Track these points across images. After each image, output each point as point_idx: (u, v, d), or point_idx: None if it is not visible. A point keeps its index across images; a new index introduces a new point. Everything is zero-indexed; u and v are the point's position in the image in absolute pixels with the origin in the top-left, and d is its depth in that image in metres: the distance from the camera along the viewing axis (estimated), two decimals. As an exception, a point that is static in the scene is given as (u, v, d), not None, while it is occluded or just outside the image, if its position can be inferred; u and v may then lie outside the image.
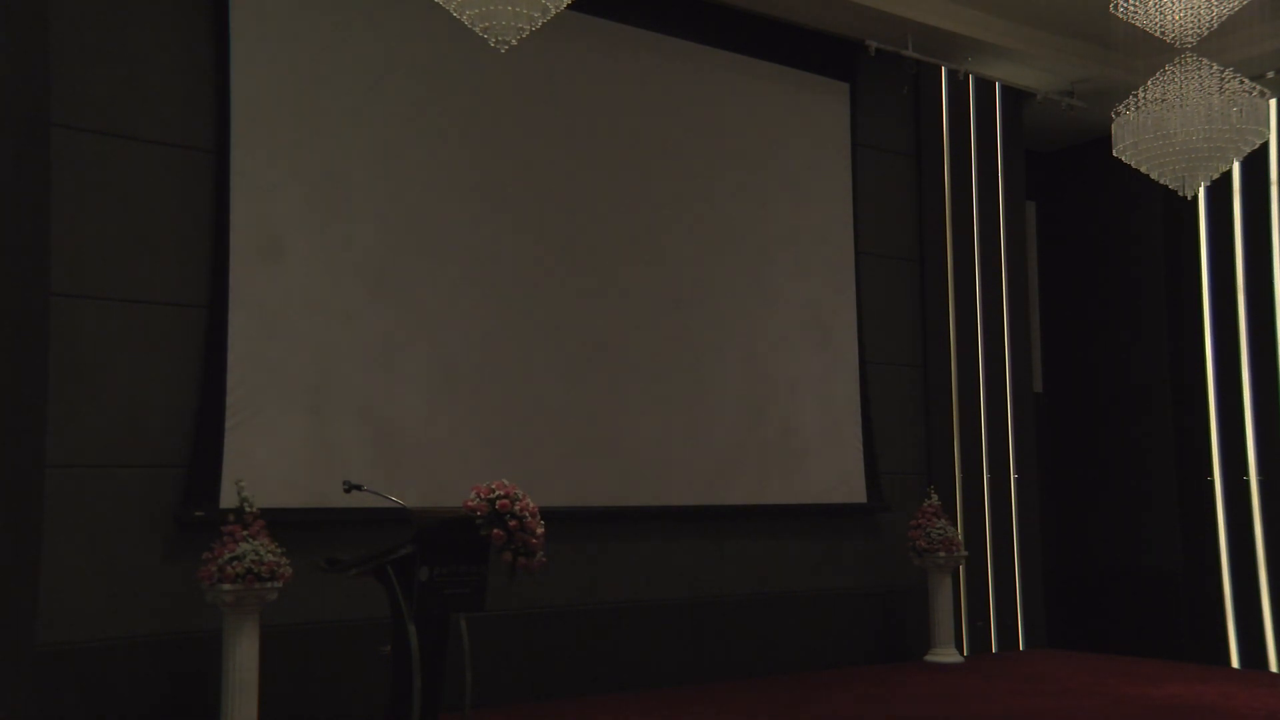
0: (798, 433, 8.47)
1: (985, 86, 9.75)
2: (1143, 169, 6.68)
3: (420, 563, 4.99)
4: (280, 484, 6.26)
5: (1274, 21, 8.29)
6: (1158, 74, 6.50)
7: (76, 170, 5.97)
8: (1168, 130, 6.40)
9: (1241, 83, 6.37)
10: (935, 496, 8.72)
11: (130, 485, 5.99)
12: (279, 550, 5.68)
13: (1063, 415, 10.98)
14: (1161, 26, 6.26)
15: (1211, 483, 9.93)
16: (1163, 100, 6.42)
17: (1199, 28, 6.20)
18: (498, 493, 5.14)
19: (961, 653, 8.87)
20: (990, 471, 9.53)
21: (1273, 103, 7.57)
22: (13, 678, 5.32)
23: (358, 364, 6.68)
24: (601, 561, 7.52)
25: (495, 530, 5.08)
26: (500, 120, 7.36)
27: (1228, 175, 9.48)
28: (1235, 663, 9.58)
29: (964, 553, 8.69)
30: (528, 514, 5.15)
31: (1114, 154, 6.77)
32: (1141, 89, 6.55)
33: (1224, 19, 6.20)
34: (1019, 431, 9.76)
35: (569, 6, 5.25)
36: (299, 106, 6.63)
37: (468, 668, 5.12)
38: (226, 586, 5.52)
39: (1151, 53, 7.00)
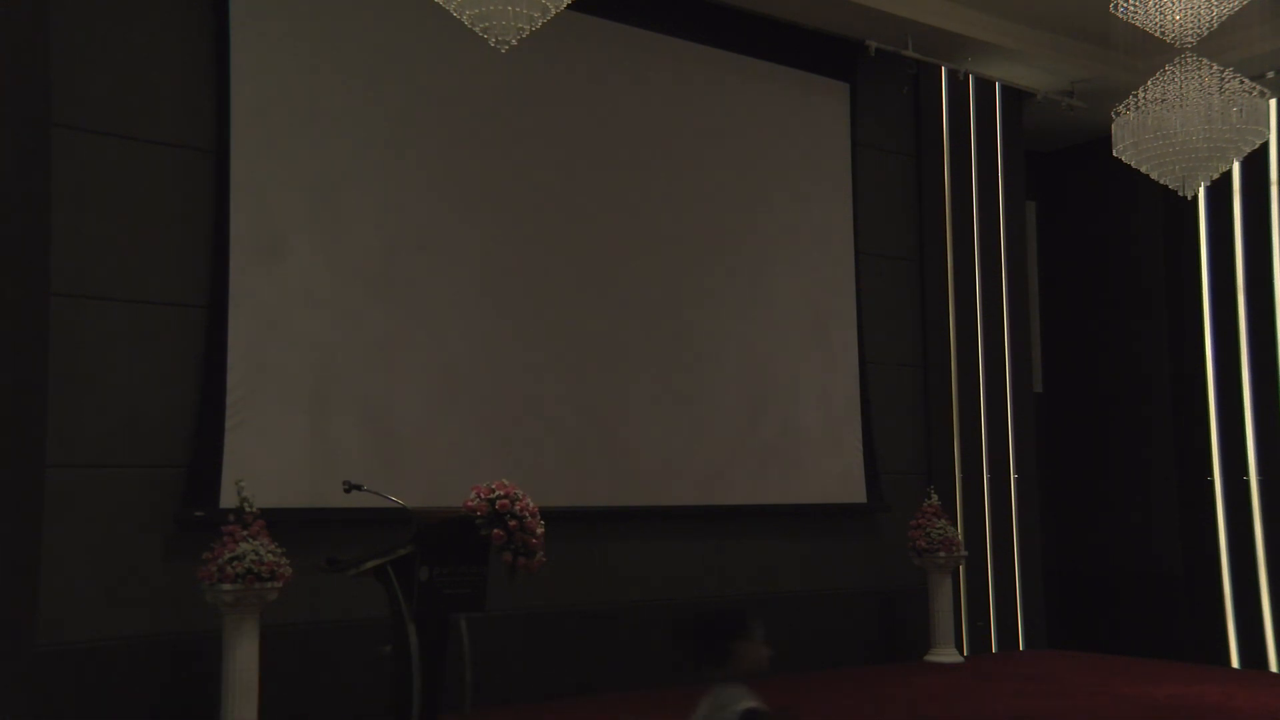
0: (798, 433, 8.47)
1: (985, 86, 9.74)
2: (1143, 169, 6.68)
3: (420, 563, 5.00)
4: (280, 484, 6.25)
5: (1274, 21, 8.29)
6: (1158, 74, 6.50)
7: (76, 170, 5.97)
8: (1168, 130, 6.40)
9: (1241, 83, 6.37)
10: (935, 496, 8.71)
11: (130, 485, 5.99)
12: (279, 550, 5.67)
13: (1063, 415, 10.98)
14: (1161, 26, 6.26)
15: (1211, 483, 9.92)
16: (1163, 100, 6.42)
17: (1199, 28, 6.19)
18: (498, 493, 5.14)
19: (961, 653, 8.86)
20: (990, 471, 9.53)
21: (1273, 103, 7.56)
22: (13, 678, 5.33)
23: (358, 364, 6.68)
24: (601, 561, 7.52)
25: (495, 530, 5.09)
26: (500, 120, 7.36)
27: (1228, 175, 9.47)
28: (1235, 663, 9.58)
29: (964, 553, 8.68)
30: (527, 514, 5.15)
31: (1114, 154, 6.77)
32: (1141, 89, 6.55)
33: (1224, 19, 6.20)
34: (1019, 431, 9.76)
35: (569, 6, 5.26)
36: (299, 107, 6.63)
37: (468, 668, 5.13)
38: (226, 586, 5.51)
39: (1151, 53, 7.00)
